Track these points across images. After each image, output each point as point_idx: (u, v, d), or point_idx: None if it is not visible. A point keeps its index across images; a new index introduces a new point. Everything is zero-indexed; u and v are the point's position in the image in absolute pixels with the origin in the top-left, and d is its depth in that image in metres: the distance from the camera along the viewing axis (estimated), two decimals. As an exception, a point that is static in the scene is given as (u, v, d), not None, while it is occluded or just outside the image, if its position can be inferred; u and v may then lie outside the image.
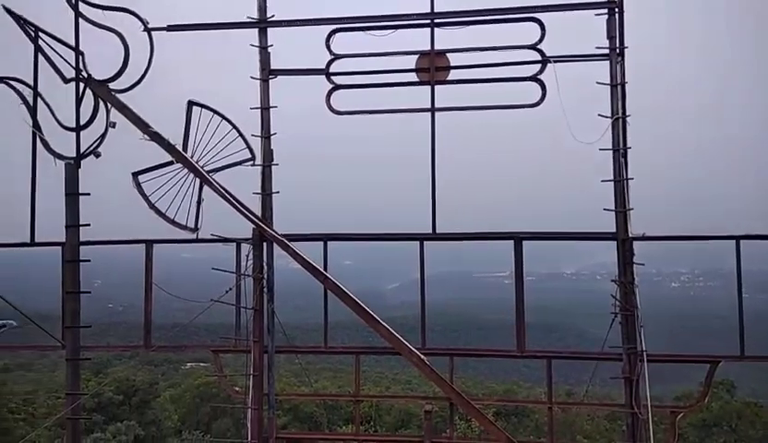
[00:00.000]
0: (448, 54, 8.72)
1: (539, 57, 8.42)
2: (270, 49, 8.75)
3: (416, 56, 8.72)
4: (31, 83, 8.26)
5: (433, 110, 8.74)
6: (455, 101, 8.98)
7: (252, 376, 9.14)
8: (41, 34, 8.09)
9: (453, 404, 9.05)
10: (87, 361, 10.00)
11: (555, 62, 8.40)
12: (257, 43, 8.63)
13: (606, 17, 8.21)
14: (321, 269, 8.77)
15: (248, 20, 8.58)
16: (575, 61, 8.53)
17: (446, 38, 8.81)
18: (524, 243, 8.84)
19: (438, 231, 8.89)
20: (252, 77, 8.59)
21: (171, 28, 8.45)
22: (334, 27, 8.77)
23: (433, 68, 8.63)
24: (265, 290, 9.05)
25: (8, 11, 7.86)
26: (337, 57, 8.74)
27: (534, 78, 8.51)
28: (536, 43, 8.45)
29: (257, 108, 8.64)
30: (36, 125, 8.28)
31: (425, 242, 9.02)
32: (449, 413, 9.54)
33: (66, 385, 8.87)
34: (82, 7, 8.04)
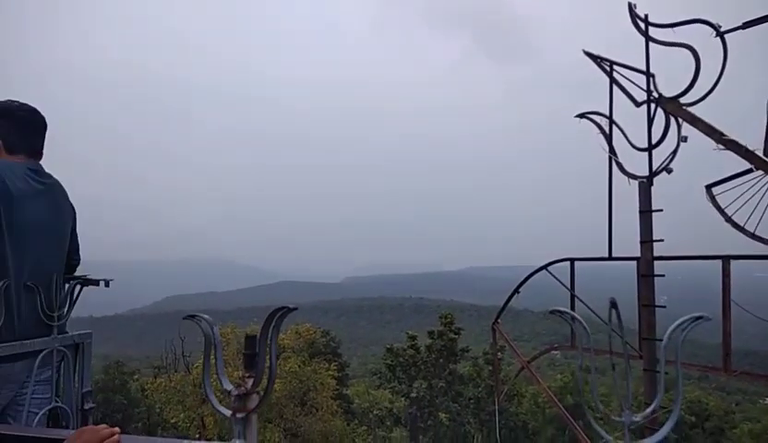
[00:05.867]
0: None
1: None
2: None
3: None
4: (607, 113, 9.25)
5: None
6: None
7: None
8: (615, 67, 8.97)
9: None
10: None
11: None
12: None
13: None
14: None
15: None
16: None
17: None
18: None
19: None
20: None
21: (746, 24, 7.75)
22: None
23: None
24: None
25: (588, 54, 9.11)
26: None
27: None
28: None
29: None
30: (611, 150, 9.20)
31: None
32: None
33: (642, 393, 9.29)
34: (652, 30, 8.43)
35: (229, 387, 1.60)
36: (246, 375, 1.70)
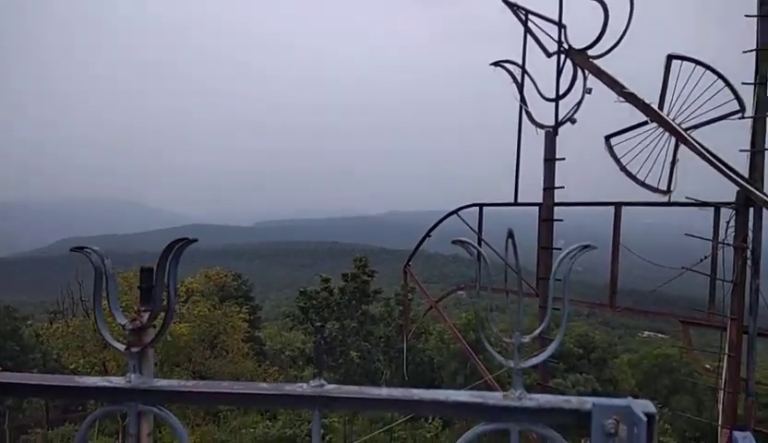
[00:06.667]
0: None
1: None
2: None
3: None
4: (520, 62, 9.47)
5: None
6: None
7: (727, 356, 8.21)
8: (530, 16, 9.13)
9: None
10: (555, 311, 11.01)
11: None
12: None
13: None
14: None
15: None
16: None
17: None
18: None
19: None
20: (747, 16, 7.38)
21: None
22: None
23: None
24: (749, 262, 7.88)
25: (505, 1, 9.18)
26: None
27: None
28: None
29: (750, 51, 7.40)
30: (522, 99, 9.49)
31: None
32: None
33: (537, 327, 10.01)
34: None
35: (123, 321, 1.52)
36: (142, 308, 1.62)
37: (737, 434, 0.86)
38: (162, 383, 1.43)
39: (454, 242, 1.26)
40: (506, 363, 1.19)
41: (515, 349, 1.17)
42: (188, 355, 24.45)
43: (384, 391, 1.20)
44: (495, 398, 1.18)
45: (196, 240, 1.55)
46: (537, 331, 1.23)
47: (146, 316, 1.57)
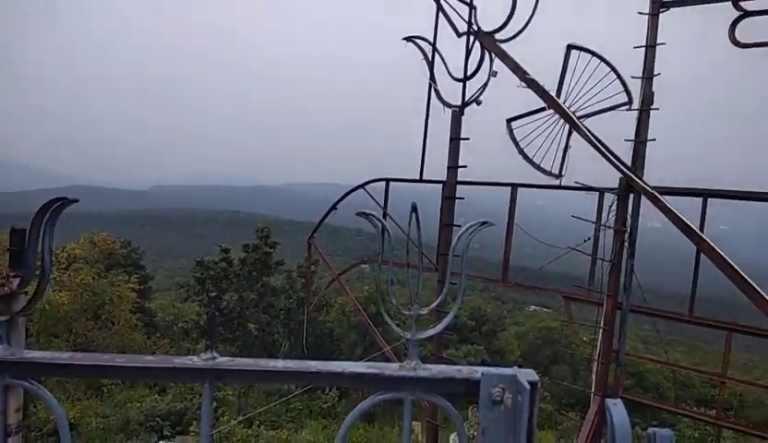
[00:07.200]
0: None
1: None
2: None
3: None
4: (431, 40, 9.57)
5: None
6: None
7: (602, 329, 9.00)
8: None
9: None
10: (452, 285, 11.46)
11: None
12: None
13: None
14: (696, 229, 7.81)
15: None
16: None
17: None
18: None
19: None
20: (640, 13, 7.92)
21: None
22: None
23: None
24: (626, 244, 8.64)
25: None
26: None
27: None
28: None
29: (641, 47, 7.97)
30: (432, 77, 9.63)
31: None
32: None
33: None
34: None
35: (-12, 286, 1.36)
36: (12, 274, 1.46)
37: (608, 401, 0.93)
38: (35, 354, 1.31)
39: (359, 214, 1.25)
40: (403, 334, 1.20)
41: (413, 321, 1.19)
42: (69, 326, 22.84)
43: (280, 363, 1.17)
44: (391, 368, 1.19)
45: (76, 200, 1.41)
46: (434, 304, 1.25)
47: (15, 282, 1.43)
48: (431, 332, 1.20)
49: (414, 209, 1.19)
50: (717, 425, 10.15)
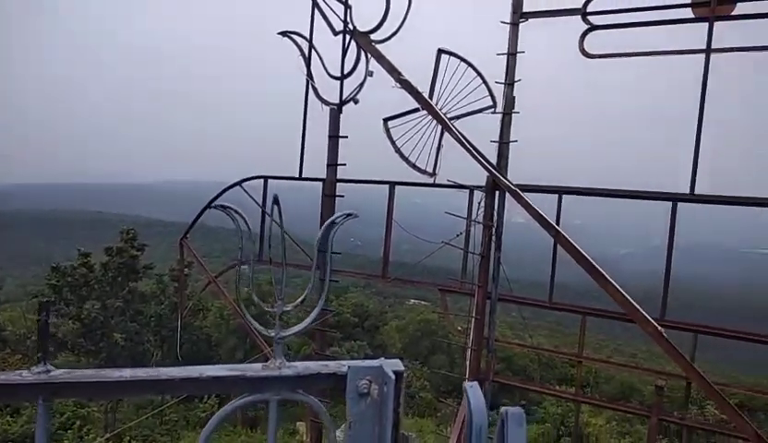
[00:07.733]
0: (732, -16, 7.42)
1: None
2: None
3: (688, -10, 7.60)
4: (308, 36, 9.47)
5: (709, 51, 7.53)
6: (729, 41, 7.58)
7: (474, 318, 9.52)
8: (317, -9, 9.16)
9: (690, 384, 8.21)
10: (334, 283, 11.54)
11: None
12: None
13: None
14: (553, 223, 8.52)
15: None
16: None
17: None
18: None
19: (696, 192, 7.84)
20: (502, 22, 8.47)
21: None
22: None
23: (715, 1, 7.43)
24: (494, 238, 9.21)
25: None
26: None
27: None
28: None
29: (503, 54, 8.54)
30: (309, 74, 9.55)
31: (678, 203, 8.07)
32: (684, 394, 8.72)
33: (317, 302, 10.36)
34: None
35: None
36: None
37: (465, 384, 0.96)
38: None
39: (215, 206, 1.18)
40: (267, 332, 1.15)
41: (276, 318, 1.14)
42: None
43: (127, 373, 1.07)
44: (254, 369, 1.13)
45: None
46: (299, 300, 1.21)
47: None
48: (295, 329, 1.17)
49: (276, 201, 1.15)
50: (577, 402, 11.16)
